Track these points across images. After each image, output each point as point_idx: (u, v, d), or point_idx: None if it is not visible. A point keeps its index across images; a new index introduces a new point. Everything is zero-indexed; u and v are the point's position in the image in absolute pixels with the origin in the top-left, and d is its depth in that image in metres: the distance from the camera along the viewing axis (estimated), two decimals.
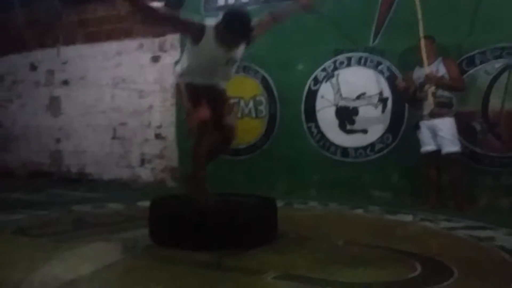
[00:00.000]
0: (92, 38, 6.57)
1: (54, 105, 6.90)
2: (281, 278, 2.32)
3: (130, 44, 6.33)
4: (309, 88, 5.25)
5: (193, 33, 2.96)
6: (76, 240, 3.09)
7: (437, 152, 4.34)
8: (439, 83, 4.23)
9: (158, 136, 6.11)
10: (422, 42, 4.24)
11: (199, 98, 3.02)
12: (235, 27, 2.86)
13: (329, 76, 5.16)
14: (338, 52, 5.11)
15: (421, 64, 4.33)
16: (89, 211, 4.30)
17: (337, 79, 5.13)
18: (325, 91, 5.18)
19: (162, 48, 6.14)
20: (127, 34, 6.32)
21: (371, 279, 2.33)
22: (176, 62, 5.74)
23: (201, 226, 2.84)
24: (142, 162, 6.25)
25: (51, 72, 6.91)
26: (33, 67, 7.04)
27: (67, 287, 2.19)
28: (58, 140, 6.85)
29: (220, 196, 3.44)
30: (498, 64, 4.42)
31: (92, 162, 6.59)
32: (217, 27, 2.91)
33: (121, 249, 2.89)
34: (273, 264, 2.55)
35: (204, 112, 2.98)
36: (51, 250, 2.82)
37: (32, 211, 4.19)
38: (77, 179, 6.51)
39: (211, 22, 2.97)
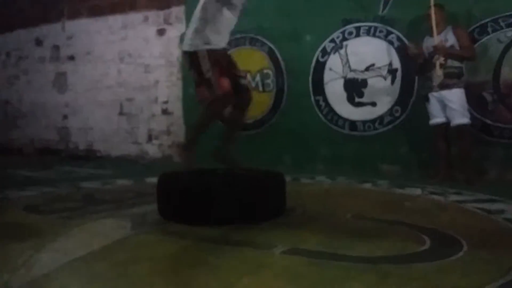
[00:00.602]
0: (97, 11, 6.50)
1: (60, 81, 6.88)
2: (289, 252, 2.32)
3: (135, 17, 6.25)
4: (317, 60, 5.16)
5: None
6: (86, 217, 3.11)
7: (446, 124, 4.28)
8: (448, 53, 4.13)
9: (165, 112, 6.08)
10: (432, 10, 4.13)
11: (221, 67, 3.02)
12: None
13: (337, 47, 5.06)
14: (346, 21, 4.99)
15: (431, 33, 4.23)
16: (97, 187, 4.32)
17: (345, 50, 5.03)
18: (333, 63, 5.09)
19: (167, 21, 6.05)
20: (131, 6, 6.24)
21: (380, 253, 2.32)
22: (182, 36, 5.74)
23: (208, 201, 2.84)
24: (149, 138, 6.24)
25: (56, 48, 6.86)
26: (39, 42, 6.99)
27: (77, 263, 2.20)
28: (65, 117, 6.85)
29: (228, 170, 3.43)
30: (510, 33, 4.30)
31: (99, 138, 6.60)
32: None
33: (131, 225, 2.90)
34: (281, 239, 2.54)
35: (228, 84, 3.00)
36: (60, 226, 2.84)
37: (41, 187, 4.21)
38: (85, 156, 6.53)
39: None
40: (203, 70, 3.04)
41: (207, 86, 3.06)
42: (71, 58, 6.75)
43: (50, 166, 5.74)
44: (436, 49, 4.13)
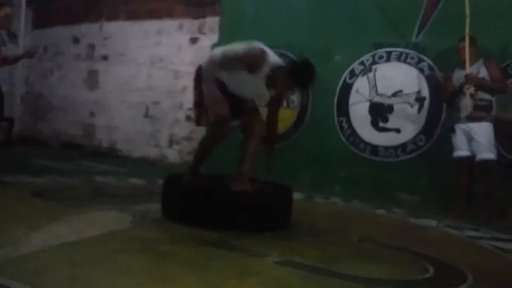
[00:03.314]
0: (134, 15, 6.61)
1: (92, 79, 7.00)
2: (282, 263, 2.23)
3: (170, 24, 6.32)
4: (345, 80, 5.08)
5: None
6: (88, 207, 3.10)
7: (471, 158, 4.11)
8: (479, 84, 4.00)
9: (188, 118, 6.08)
10: (467, 42, 4.01)
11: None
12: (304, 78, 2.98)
13: (366, 70, 4.98)
14: (378, 45, 4.91)
15: (461, 66, 4.11)
16: (110, 182, 4.33)
17: (374, 74, 4.93)
18: (361, 85, 4.99)
19: (201, 30, 6.10)
20: (168, 13, 6.32)
21: (379, 275, 2.21)
22: (214, 45, 5.78)
23: (210, 205, 2.79)
24: (171, 143, 6.25)
25: (92, 47, 7.00)
26: (76, 40, 7.16)
27: (65, 246, 2.18)
28: (92, 114, 6.94)
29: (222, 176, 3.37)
30: None
31: (122, 138, 6.65)
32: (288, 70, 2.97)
33: (130, 219, 2.88)
34: (278, 249, 2.46)
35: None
36: (60, 212, 2.84)
37: (55, 177, 4.25)
38: (107, 154, 6.59)
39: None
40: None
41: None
42: (105, 58, 6.87)
43: (71, 159, 5.81)
44: (468, 78, 4.00)
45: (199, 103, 3.17)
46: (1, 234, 2.25)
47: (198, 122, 3.22)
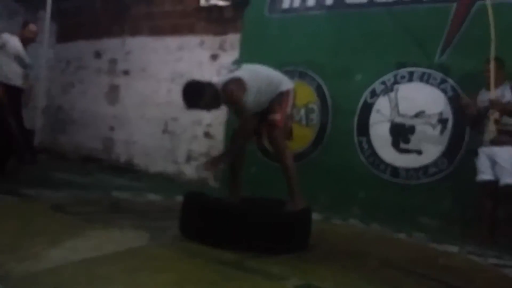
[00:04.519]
0: (157, 31, 6.69)
1: (112, 93, 7.08)
2: (301, 287, 2.18)
3: (191, 40, 6.38)
4: (365, 100, 5.03)
5: None
6: (107, 222, 3.09)
7: (494, 183, 4.02)
8: (504, 109, 3.92)
9: (206, 135, 6.10)
10: (492, 64, 3.95)
11: None
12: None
13: (387, 90, 4.93)
14: (400, 65, 4.86)
15: (487, 88, 4.05)
16: (127, 198, 4.33)
17: (396, 94, 4.88)
18: (382, 105, 4.94)
19: (222, 47, 6.13)
20: (190, 30, 6.38)
21: None
22: (234, 62, 5.80)
23: (229, 225, 2.76)
24: (188, 158, 6.25)
25: (114, 61, 7.10)
26: (98, 55, 7.27)
27: (84, 263, 2.16)
28: (112, 128, 7.01)
29: (255, 198, 3.35)
30: None
31: (141, 153, 6.68)
32: None
33: (148, 236, 2.86)
34: (297, 272, 2.42)
35: None
36: (79, 227, 2.84)
37: (75, 191, 4.27)
38: (125, 168, 6.62)
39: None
40: None
41: None
42: (126, 72, 6.96)
43: (90, 173, 5.85)
44: (492, 104, 3.93)
45: None
46: (20, 249, 2.25)
47: None
